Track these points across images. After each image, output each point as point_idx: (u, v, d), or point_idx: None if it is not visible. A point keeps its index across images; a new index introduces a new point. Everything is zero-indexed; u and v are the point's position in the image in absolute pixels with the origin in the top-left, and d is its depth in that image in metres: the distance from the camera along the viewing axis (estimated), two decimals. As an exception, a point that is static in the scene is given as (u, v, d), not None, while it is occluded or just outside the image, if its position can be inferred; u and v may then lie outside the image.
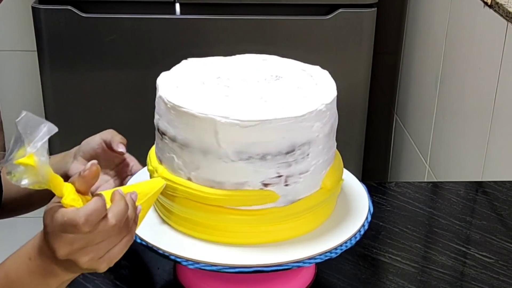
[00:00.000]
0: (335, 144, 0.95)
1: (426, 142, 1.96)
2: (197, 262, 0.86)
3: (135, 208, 0.77)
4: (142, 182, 0.90)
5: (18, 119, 0.69)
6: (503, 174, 1.44)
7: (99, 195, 0.74)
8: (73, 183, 0.73)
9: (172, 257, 0.87)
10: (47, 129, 0.69)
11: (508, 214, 1.21)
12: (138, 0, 1.91)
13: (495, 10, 1.45)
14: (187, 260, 0.86)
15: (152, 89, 0.91)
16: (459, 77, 1.71)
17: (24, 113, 0.69)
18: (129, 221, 0.76)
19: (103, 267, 0.75)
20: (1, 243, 2.22)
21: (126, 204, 0.75)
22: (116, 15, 1.90)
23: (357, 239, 0.92)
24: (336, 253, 0.89)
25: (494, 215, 1.20)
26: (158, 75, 0.94)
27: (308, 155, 0.86)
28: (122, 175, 1.06)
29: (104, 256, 0.75)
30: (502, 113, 1.45)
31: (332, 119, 0.90)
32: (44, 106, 2.00)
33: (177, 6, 1.91)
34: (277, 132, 0.83)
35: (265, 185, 0.86)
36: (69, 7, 1.88)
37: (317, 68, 0.97)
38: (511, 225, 1.18)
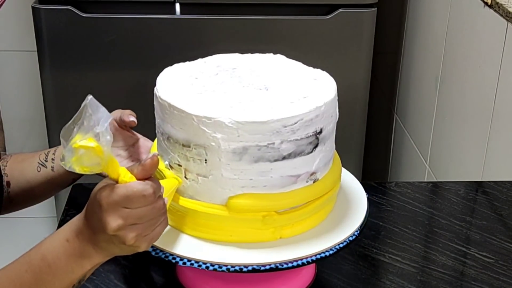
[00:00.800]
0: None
1: (426, 142, 1.96)
2: (197, 262, 0.86)
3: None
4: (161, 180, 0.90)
5: (86, 102, 0.72)
6: (503, 174, 1.44)
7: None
8: (131, 171, 0.77)
9: (171, 257, 0.87)
10: (106, 113, 0.73)
11: (508, 214, 1.21)
12: (138, 0, 1.90)
13: (495, 10, 1.46)
14: (187, 259, 0.87)
15: (152, 89, 0.92)
16: (459, 77, 1.71)
17: (90, 97, 0.73)
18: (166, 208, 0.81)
19: (144, 246, 0.79)
20: (1, 243, 2.22)
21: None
22: (116, 15, 1.90)
23: (352, 239, 0.92)
24: (334, 250, 0.89)
25: (494, 215, 1.20)
26: (158, 75, 0.94)
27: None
28: (134, 156, 1.08)
29: (149, 235, 0.79)
30: (502, 113, 1.45)
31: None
32: (44, 106, 2.00)
33: (177, 6, 1.91)
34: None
35: None
36: (69, 7, 1.87)
37: (319, 71, 0.98)
38: (511, 225, 1.18)
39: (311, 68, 0.98)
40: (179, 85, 0.91)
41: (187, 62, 0.99)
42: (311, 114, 0.85)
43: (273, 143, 0.84)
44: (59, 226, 1.01)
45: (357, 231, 0.93)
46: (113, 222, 0.75)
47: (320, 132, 0.88)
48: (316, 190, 0.91)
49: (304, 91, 0.90)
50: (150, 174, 0.78)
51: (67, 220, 0.84)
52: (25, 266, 0.79)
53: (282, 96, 0.88)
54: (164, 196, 0.82)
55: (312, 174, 0.89)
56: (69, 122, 0.73)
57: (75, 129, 0.72)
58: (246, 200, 0.87)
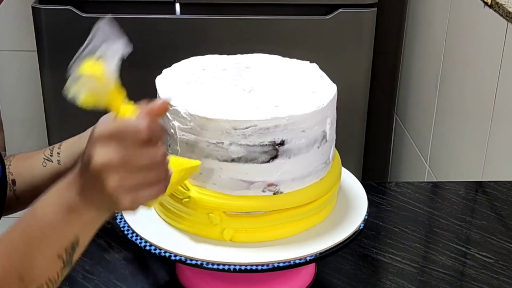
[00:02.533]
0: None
1: (426, 142, 1.96)
2: (197, 261, 0.86)
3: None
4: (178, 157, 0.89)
5: (99, 25, 0.66)
6: (503, 174, 1.44)
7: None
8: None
9: (172, 257, 0.87)
10: (122, 43, 0.67)
11: (508, 214, 1.21)
12: (138, 0, 1.91)
13: (495, 10, 1.46)
14: (187, 258, 0.87)
15: (152, 89, 0.92)
16: (459, 77, 1.71)
17: (105, 20, 0.66)
18: (167, 168, 0.73)
19: (126, 203, 0.70)
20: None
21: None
22: (116, 15, 1.88)
23: (352, 239, 0.92)
24: (334, 250, 0.89)
25: (494, 215, 1.20)
26: (158, 75, 0.95)
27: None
28: None
29: (144, 191, 0.70)
30: (502, 113, 1.45)
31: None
32: (44, 106, 2.00)
33: (177, 6, 1.91)
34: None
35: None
36: (69, 7, 1.88)
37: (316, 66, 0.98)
38: (511, 225, 1.18)
39: (317, 72, 0.97)
40: (177, 78, 0.93)
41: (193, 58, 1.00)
42: (269, 123, 0.83)
43: (222, 143, 0.84)
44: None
45: (357, 231, 0.93)
46: (99, 155, 0.68)
47: (281, 144, 0.85)
48: (276, 202, 0.88)
49: (280, 99, 0.88)
50: (154, 117, 0.70)
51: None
52: (18, 228, 0.74)
53: (260, 100, 0.87)
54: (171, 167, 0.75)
55: (270, 185, 0.87)
56: (80, 50, 0.66)
57: (82, 55, 0.66)
58: (193, 193, 0.87)
